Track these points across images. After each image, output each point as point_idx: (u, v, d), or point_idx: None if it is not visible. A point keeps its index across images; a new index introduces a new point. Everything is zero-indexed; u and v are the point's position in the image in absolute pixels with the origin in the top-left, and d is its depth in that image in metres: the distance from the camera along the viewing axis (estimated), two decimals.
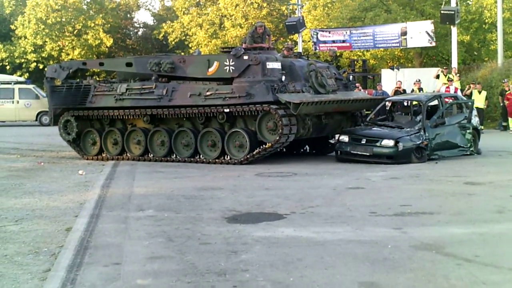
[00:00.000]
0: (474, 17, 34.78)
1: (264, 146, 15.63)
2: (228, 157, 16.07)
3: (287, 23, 35.45)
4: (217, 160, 16.15)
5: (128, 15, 54.38)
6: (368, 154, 15.66)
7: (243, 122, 16.18)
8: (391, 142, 15.50)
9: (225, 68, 16.00)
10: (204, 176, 14.02)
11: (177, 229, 8.57)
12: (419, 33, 30.96)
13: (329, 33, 34.53)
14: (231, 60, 15.95)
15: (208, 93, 16.03)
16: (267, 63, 15.81)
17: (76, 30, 46.72)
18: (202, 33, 44.09)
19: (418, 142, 15.58)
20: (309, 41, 36.73)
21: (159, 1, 65.69)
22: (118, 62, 20.31)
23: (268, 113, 15.45)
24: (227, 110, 15.85)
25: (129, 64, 17.99)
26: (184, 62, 16.83)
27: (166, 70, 16.81)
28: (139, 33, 55.91)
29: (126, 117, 17.49)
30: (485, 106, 26.06)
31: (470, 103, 17.92)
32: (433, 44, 31.43)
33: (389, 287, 6.02)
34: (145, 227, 8.74)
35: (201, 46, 42.60)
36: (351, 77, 18.43)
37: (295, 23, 34.30)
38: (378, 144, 15.63)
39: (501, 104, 26.26)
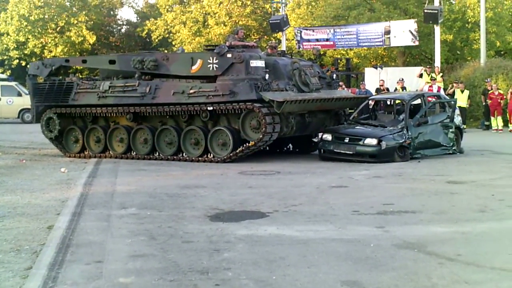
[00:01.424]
0: (457, 16, 34.89)
1: (247, 144, 15.61)
2: (211, 155, 16.04)
3: (271, 21, 35.39)
4: (200, 158, 16.11)
5: (112, 12, 54.05)
6: (351, 152, 15.69)
7: (227, 120, 16.16)
8: (374, 141, 15.54)
9: (209, 66, 15.96)
10: (187, 174, 14.00)
11: (159, 227, 8.55)
12: (403, 32, 30.97)
13: (313, 31, 34.48)
14: (214, 58, 15.91)
15: (191, 91, 15.99)
16: (251, 61, 15.78)
17: (59, 27, 46.40)
18: (185, 31, 43.92)
19: (401, 141, 15.63)
20: (292, 40, 36.67)
21: None
22: (101, 60, 20.30)
23: (252, 111, 15.43)
24: (210, 108, 15.82)
25: (112, 62, 17.93)
26: (168, 60, 16.79)
27: (149, 67, 16.77)
28: (123, 30, 55.60)
29: (109, 115, 17.42)
30: (468, 105, 26.21)
31: (452, 102, 18.02)
32: (416, 43, 31.47)
33: (371, 286, 6.03)
34: (127, 225, 8.72)
35: (185, 44, 42.46)
36: (334, 75, 18.41)
37: (279, 21, 34.26)
38: (361, 142, 15.66)
39: (484, 103, 26.44)
